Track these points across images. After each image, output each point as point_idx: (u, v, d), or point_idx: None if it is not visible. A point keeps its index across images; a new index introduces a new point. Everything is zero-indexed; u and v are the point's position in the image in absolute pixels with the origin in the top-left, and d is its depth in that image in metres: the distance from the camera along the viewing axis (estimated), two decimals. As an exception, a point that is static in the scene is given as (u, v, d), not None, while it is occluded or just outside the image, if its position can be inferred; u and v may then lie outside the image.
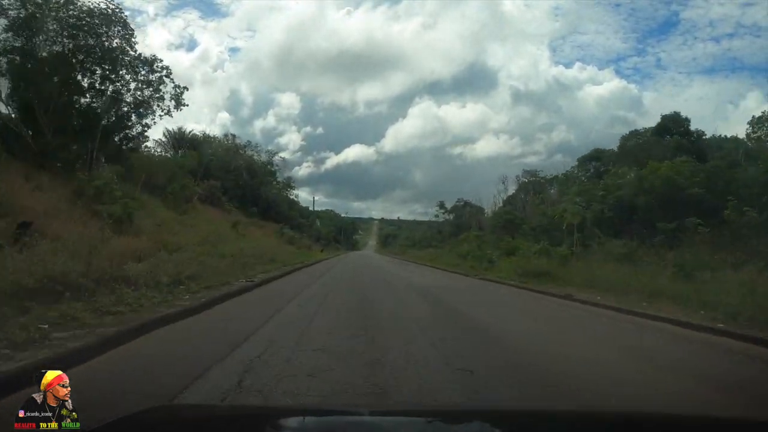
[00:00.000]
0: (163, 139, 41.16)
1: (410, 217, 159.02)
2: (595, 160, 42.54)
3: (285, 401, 4.15)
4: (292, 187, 67.54)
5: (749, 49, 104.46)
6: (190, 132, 46.23)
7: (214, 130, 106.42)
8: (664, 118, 35.63)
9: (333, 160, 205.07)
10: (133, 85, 21.15)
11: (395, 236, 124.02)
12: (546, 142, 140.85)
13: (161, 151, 39.12)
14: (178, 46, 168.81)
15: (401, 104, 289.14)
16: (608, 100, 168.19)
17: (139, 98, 21.38)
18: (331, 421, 2.07)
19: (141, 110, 21.78)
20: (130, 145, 23.73)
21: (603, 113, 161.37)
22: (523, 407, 3.76)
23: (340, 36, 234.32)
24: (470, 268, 26.45)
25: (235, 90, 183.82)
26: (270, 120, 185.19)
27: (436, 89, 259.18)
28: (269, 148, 74.69)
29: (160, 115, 22.40)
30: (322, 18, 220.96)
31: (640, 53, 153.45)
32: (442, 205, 68.53)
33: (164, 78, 21.85)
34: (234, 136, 56.68)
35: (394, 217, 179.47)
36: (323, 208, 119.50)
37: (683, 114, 35.75)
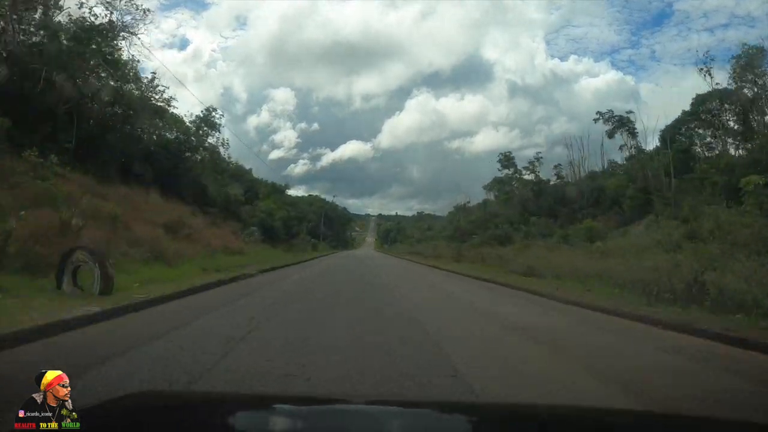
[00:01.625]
0: None
1: (408, 213, 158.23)
2: None
3: (277, 389, 4.08)
4: (213, 124, 32.40)
5: (744, 39, 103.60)
6: None
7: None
8: None
9: (329, 157, 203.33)
10: None
11: (402, 230, 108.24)
12: (547, 133, 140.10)
13: None
14: (171, 46, 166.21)
15: (398, 98, 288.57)
16: (605, 92, 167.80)
17: None
18: (325, 410, 2.04)
19: None
20: None
21: (601, 105, 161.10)
22: (520, 403, 3.79)
23: (335, 26, 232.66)
24: None
25: (228, 87, 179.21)
26: (264, 116, 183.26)
27: (432, 82, 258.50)
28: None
29: None
30: (315, 8, 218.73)
31: (635, 45, 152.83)
32: (507, 159, 38.41)
33: None
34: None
35: (392, 213, 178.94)
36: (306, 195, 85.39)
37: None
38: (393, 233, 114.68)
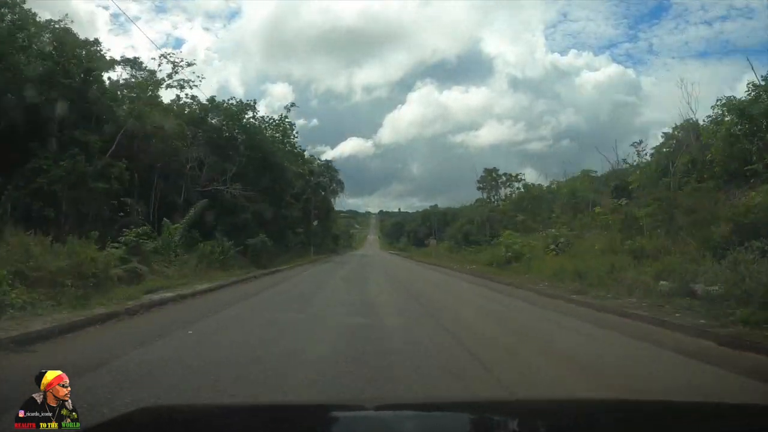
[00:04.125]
0: None
1: (409, 210, 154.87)
2: None
3: (285, 398, 4.09)
4: None
5: (742, 31, 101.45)
6: None
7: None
8: None
9: (328, 155, 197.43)
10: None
11: (452, 220, 70.62)
12: (554, 125, 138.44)
13: None
14: (164, 44, 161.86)
15: (400, 90, 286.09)
16: (607, 85, 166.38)
17: None
18: (335, 417, 2.04)
19: None
20: None
21: (604, 98, 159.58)
22: (527, 399, 3.76)
23: (336, 16, 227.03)
24: None
25: (225, 84, 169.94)
26: (262, 111, 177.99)
27: (432, 74, 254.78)
28: None
29: None
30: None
31: (632, 39, 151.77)
32: None
33: None
34: None
35: (394, 210, 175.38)
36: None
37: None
38: (402, 229, 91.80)
